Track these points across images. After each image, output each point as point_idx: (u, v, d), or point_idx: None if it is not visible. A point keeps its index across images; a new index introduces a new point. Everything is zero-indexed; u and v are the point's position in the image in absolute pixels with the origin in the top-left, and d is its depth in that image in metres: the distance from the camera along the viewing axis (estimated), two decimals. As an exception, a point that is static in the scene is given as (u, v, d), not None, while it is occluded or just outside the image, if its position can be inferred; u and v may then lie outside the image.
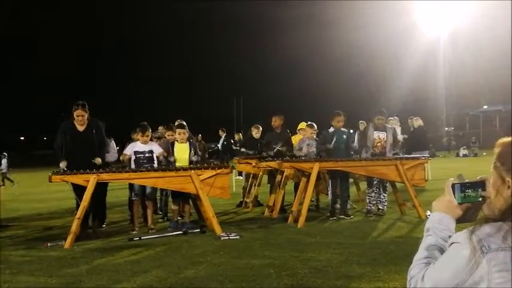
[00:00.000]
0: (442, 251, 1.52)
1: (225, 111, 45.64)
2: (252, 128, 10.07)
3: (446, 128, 49.17)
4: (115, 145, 8.43)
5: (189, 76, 50.95)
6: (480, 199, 1.53)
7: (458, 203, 1.56)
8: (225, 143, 18.90)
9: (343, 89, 43.94)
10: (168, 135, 8.51)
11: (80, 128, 7.14)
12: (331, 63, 45.75)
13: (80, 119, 7.07)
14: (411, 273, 1.52)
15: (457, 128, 49.21)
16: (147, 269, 5.09)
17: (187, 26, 49.02)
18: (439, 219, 1.59)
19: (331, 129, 8.12)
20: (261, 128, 9.97)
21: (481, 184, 1.54)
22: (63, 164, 6.82)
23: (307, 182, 7.61)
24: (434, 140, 39.28)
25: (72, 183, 6.68)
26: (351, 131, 9.03)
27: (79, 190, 6.79)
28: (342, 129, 8.14)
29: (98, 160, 7.09)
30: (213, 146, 20.58)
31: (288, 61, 46.36)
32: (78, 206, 7.01)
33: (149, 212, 7.49)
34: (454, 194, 1.57)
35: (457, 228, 1.58)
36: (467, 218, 1.59)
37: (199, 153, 8.32)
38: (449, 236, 1.52)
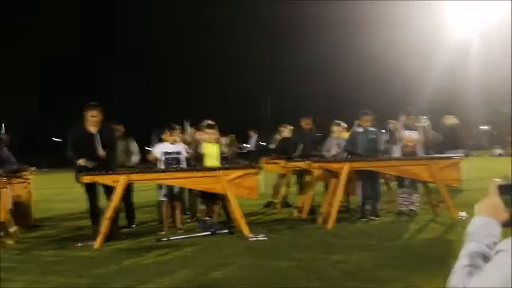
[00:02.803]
0: (486, 258, 1.40)
1: (253, 112, 45.63)
2: (282, 128, 10.00)
3: (486, 127, 47.99)
4: (137, 146, 8.42)
5: (218, 77, 51.01)
6: None
7: (506, 207, 1.45)
8: (257, 142, 18.82)
9: (374, 89, 43.30)
10: (199, 135, 8.51)
11: (93, 130, 7.02)
12: (362, 62, 45.12)
13: (94, 120, 6.96)
14: (452, 283, 1.40)
15: (494, 126, 47.98)
16: (174, 269, 5.07)
17: (215, 26, 49.01)
18: (483, 223, 1.47)
19: (360, 129, 7.98)
20: (289, 127, 9.88)
21: None
22: (83, 161, 6.81)
23: (337, 182, 7.48)
24: (468, 139, 38.33)
25: (84, 184, 6.69)
26: (383, 131, 8.84)
27: (92, 191, 6.87)
28: (371, 128, 7.98)
29: (102, 152, 6.91)
30: (247, 146, 20.47)
31: (317, 61, 45.91)
32: (91, 207, 7.05)
33: (177, 212, 7.50)
34: (500, 196, 1.46)
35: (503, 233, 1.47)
36: None
37: (229, 151, 8.31)
38: (495, 243, 1.41)
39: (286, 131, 9.90)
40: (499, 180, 1.49)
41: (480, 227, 1.46)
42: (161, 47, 49.35)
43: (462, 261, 1.42)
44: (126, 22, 49.37)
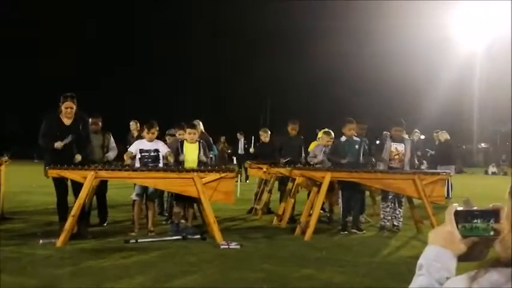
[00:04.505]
0: None
1: (251, 116, 45.25)
2: (261, 132, 9.74)
3: (483, 144, 47.84)
4: (114, 141, 8.13)
5: (217, 78, 50.61)
6: (491, 233, 1.13)
7: (462, 236, 1.17)
8: (245, 146, 18.50)
9: (376, 102, 42.95)
10: (179, 135, 8.25)
11: (67, 122, 6.77)
12: (364, 74, 44.92)
13: (69, 112, 6.69)
14: None
15: (492, 144, 47.83)
16: (133, 275, 4.76)
17: (217, 32, 48.69)
18: (436, 255, 1.19)
19: (343, 138, 7.69)
20: (269, 132, 9.65)
21: (493, 213, 1.14)
22: (59, 144, 6.52)
23: (318, 192, 7.19)
24: (465, 155, 38.14)
25: (53, 179, 6.43)
26: (377, 142, 8.56)
27: (61, 185, 6.60)
28: (354, 138, 7.69)
29: (78, 157, 6.70)
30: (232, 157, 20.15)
31: (322, 71, 45.55)
32: (59, 203, 6.78)
33: (150, 213, 7.18)
34: (458, 224, 1.18)
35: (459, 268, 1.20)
36: (473, 256, 1.19)
37: (209, 154, 8.01)
38: (447, 278, 1.13)
39: (264, 136, 9.67)
40: (457, 205, 1.21)
41: (432, 258, 1.20)
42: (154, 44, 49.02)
43: None
44: (129, 22, 48.95)
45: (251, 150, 9.87)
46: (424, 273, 1.19)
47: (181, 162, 7.26)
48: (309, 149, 9.12)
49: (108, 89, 44.02)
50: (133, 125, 9.72)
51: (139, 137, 8.41)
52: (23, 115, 42.18)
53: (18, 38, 42.88)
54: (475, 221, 1.16)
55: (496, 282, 0.97)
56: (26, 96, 42.29)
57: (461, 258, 1.20)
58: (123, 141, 8.79)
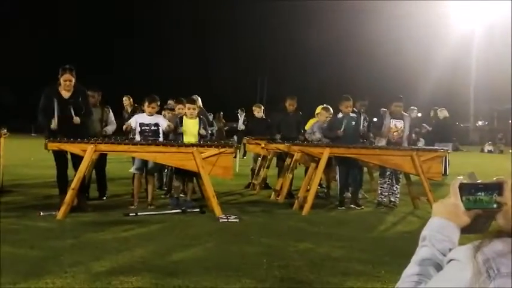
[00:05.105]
0: (438, 267, 1.17)
1: (248, 92, 45.13)
2: (254, 108, 9.74)
3: (480, 122, 47.96)
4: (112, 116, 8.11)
5: (212, 55, 50.16)
6: (494, 205, 1.17)
7: (466, 209, 1.20)
8: (245, 123, 18.50)
9: (372, 80, 42.73)
10: (179, 109, 8.23)
11: (66, 94, 6.73)
12: (361, 53, 44.65)
13: (67, 84, 6.65)
14: None
15: (489, 122, 48.03)
16: (133, 247, 4.81)
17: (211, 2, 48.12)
18: (440, 226, 1.23)
19: (340, 115, 7.70)
20: (262, 107, 9.66)
21: (497, 187, 1.17)
22: (55, 124, 6.52)
23: (316, 167, 7.24)
24: (460, 133, 38.22)
25: (53, 152, 6.44)
26: (375, 119, 8.57)
27: (61, 159, 6.60)
28: (351, 114, 7.69)
29: (76, 119, 6.67)
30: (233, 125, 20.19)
31: (316, 50, 45.22)
32: (59, 176, 6.80)
33: (150, 187, 7.22)
34: (462, 197, 1.21)
35: (462, 239, 1.23)
36: (476, 228, 1.23)
37: (210, 129, 8.05)
38: (450, 249, 1.17)
39: (257, 111, 9.67)
40: (461, 178, 1.24)
41: (436, 230, 1.24)
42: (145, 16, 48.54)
43: (411, 268, 1.22)
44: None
45: (242, 125, 9.92)
46: (427, 245, 1.22)
47: (180, 135, 7.28)
48: (307, 127, 9.12)
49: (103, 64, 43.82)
50: (127, 100, 9.71)
51: (134, 112, 8.41)
52: (17, 88, 41.94)
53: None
54: (479, 193, 1.19)
55: (500, 251, 1.00)
56: (20, 69, 41.97)
57: (465, 230, 1.23)
58: (118, 117, 8.75)
